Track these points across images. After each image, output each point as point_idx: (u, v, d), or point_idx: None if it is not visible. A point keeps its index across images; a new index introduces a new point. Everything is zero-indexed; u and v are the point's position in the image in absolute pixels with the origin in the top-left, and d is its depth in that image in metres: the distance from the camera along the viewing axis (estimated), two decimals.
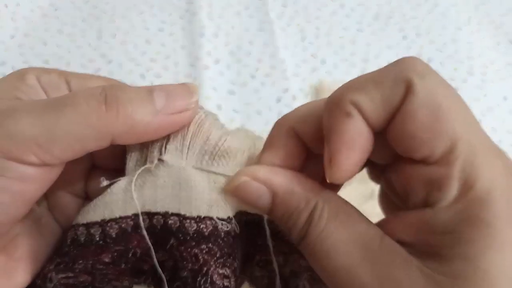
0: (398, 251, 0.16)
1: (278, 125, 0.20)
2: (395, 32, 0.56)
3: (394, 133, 0.16)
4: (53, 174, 0.18)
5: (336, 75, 0.51)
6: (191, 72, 0.51)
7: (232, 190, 0.19)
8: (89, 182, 0.23)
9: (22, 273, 0.20)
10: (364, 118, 0.16)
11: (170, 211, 0.20)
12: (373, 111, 0.16)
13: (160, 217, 0.20)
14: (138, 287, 0.22)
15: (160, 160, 0.20)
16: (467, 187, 0.15)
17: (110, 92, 0.17)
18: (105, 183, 0.20)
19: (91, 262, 0.20)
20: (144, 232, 0.20)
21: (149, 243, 0.20)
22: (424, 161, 0.16)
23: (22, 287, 0.20)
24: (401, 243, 0.16)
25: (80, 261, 0.20)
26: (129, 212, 0.20)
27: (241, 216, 0.21)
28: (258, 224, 0.22)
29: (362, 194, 0.40)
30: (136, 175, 0.20)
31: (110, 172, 0.22)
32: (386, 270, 0.16)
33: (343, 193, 0.41)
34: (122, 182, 0.20)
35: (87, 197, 0.23)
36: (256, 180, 0.18)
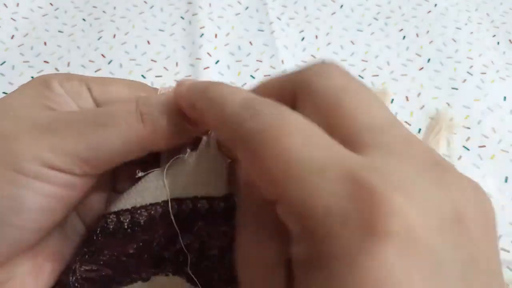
0: None
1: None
2: (395, 32, 0.56)
3: None
4: (93, 181, 0.19)
5: None
6: (191, 72, 0.51)
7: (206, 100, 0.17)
8: (117, 176, 0.24)
9: (48, 274, 0.20)
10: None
11: (199, 195, 0.21)
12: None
13: (189, 201, 0.21)
14: (156, 278, 0.22)
15: (192, 150, 0.21)
16: (302, 221, 0.12)
17: (145, 108, 0.19)
18: (140, 174, 0.21)
19: (116, 254, 0.21)
20: (171, 216, 0.20)
21: (175, 226, 0.20)
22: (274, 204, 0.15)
23: (48, 287, 0.21)
24: None
25: (106, 252, 0.21)
26: (160, 199, 0.21)
27: None
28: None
29: None
30: (168, 164, 0.21)
31: (137, 164, 0.22)
32: None
33: None
34: (155, 172, 0.21)
35: (113, 190, 0.24)
36: None
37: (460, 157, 0.43)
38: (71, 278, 0.21)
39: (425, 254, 0.11)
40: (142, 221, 0.21)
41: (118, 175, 0.24)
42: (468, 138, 0.45)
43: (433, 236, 0.11)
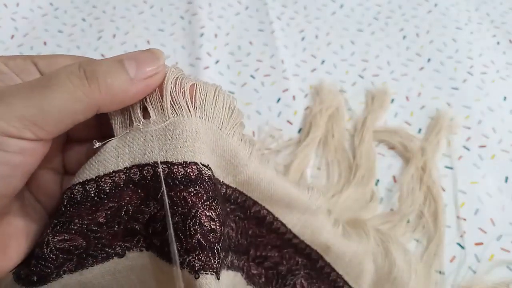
0: None
1: None
2: (395, 32, 0.56)
3: None
4: (46, 147, 0.20)
5: (336, 75, 0.51)
6: (191, 72, 0.51)
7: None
8: (65, 155, 0.24)
9: (15, 249, 0.21)
10: None
11: (160, 160, 0.21)
12: None
13: (150, 167, 0.22)
14: (131, 254, 0.23)
15: (145, 118, 0.22)
16: None
17: (87, 67, 0.19)
18: (97, 144, 0.21)
19: (86, 222, 0.22)
20: (162, 181, 0.21)
21: (164, 188, 0.21)
22: None
23: (16, 264, 0.21)
24: None
25: (76, 220, 0.21)
26: (121, 166, 0.22)
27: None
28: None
29: (362, 197, 0.40)
30: (126, 132, 0.22)
31: (85, 143, 0.24)
32: None
33: (343, 196, 0.41)
34: (113, 142, 0.22)
35: (66, 173, 0.25)
36: None
37: (460, 157, 0.43)
38: (45, 249, 0.21)
39: None
40: (107, 188, 0.22)
41: (68, 157, 0.25)
42: (468, 138, 0.45)
43: None
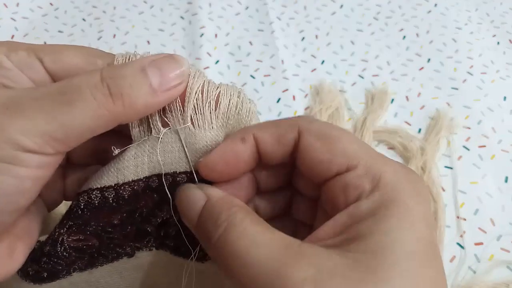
0: (317, 248, 0.17)
1: (242, 130, 0.22)
2: (395, 32, 0.56)
3: (303, 165, 0.20)
4: (62, 157, 0.20)
5: (336, 75, 0.51)
6: None
7: (180, 200, 0.21)
8: (66, 180, 0.25)
9: (20, 252, 0.21)
10: (259, 147, 0.21)
11: (178, 170, 0.22)
12: (268, 143, 0.21)
13: (169, 176, 0.22)
14: (140, 254, 0.24)
15: (164, 125, 0.22)
16: (376, 180, 0.18)
17: (111, 81, 0.18)
18: (116, 151, 0.21)
19: (102, 224, 0.22)
20: (165, 188, 0.22)
21: (168, 193, 0.22)
22: (336, 175, 0.19)
23: (21, 264, 0.21)
24: (326, 245, 0.17)
25: (93, 223, 0.22)
26: (141, 176, 0.22)
27: None
28: None
29: None
30: (144, 140, 0.22)
31: (83, 166, 0.24)
32: (311, 262, 0.16)
33: None
34: (131, 150, 0.22)
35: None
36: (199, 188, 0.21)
37: (460, 157, 0.43)
38: (59, 248, 0.21)
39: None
40: (126, 195, 0.22)
41: (67, 179, 0.25)
42: (468, 138, 0.45)
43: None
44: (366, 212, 0.17)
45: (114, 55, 0.21)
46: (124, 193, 0.22)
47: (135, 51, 0.21)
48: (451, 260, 0.37)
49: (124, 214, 0.22)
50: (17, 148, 0.17)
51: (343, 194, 0.19)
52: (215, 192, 0.20)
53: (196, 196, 0.20)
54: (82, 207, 0.22)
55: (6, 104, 0.17)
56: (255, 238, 0.17)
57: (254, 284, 0.16)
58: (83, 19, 0.57)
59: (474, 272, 0.36)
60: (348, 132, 0.21)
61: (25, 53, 0.20)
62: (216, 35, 0.55)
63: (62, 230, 0.22)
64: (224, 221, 0.18)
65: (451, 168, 0.42)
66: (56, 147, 0.18)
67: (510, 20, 0.57)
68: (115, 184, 0.22)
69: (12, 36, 0.54)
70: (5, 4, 0.57)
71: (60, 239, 0.22)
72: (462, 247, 0.38)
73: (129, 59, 0.21)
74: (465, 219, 0.39)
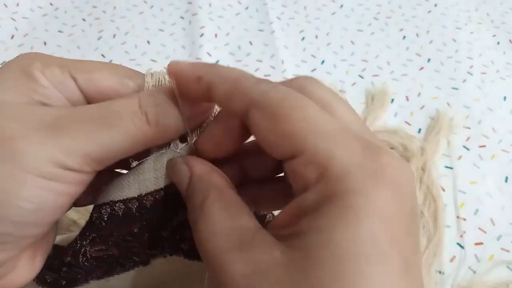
0: (268, 240, 0.16)
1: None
2: (395, 32, 0.56)
3: (261, 144, 0.19)
4: (94, 174, 0.20)
5: (336, 75, 0.51)
6: None
7: (170, 168, 0.22)
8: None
9: (39, 261, 0.22)
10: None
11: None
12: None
13: None
14: (154, 261, 0.24)
15: (182, 142, 0.22)
16: (322, 168, 0.16)
17: (149, 110, 0.20)
18: (134, 163, 0.22)
19: (123, 234, 0.23)
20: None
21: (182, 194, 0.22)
22: (287, 158, 0.18)
23: (39, 269, 0.22)
24: (280, 235, 0.17)
25: (116, 233, 0.22)
26: (162, 185, 0.22)
27: None
28: None
29: None
30: (162, 153, 0.22)
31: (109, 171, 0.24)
32: (254, 257, 0.16)
33: None
34: (150, 163, 0.22)
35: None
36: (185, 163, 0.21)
37: (460, 157, 0.43)
38: (81, 259, 0.22)
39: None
40: (148, 205, 0.23)
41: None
42: (468, 138, 0.45)
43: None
44: (310, 205, 0.16)
45: (143, 74, 0.22)
46: (147, 203, 0.22)
47: (161, 70, 0.22)
48: (451, 260, 0.37)
49: (144, 222, 0.23)
50: (59, 166, 0.18)
51: (294, 182, 0.17)
52: (197, 167, 0.20)
53: (182, 172, 0.21)
54: (105, 219, 0.22)
55: (50, 124, 0.18)
56: (215, 226, 0.17)
57: (209, 273, 0.17)
58: (83, 19, 0.57)
59: (474, 272, 0.36)
60: (309, 104, 0.17)
61: (59, 70, 0.21)
62: (216, 35, 0.55)
63: (84, 242, 0.22)
64: (199, 206, 0.19)
65: (451, 168, 0.42)
66: (93, 166, 0.19)
67: (510, 20, 0.57)
68: (138, 195, 0.22)
69: (12, 36, 0.54)
70: (5, 4, 0.57)
71: (82, 250, 0.22)
72: (462, 247, 0.38)
73: (158, 81, 0.22)
74: (465, 219, 0.39)
